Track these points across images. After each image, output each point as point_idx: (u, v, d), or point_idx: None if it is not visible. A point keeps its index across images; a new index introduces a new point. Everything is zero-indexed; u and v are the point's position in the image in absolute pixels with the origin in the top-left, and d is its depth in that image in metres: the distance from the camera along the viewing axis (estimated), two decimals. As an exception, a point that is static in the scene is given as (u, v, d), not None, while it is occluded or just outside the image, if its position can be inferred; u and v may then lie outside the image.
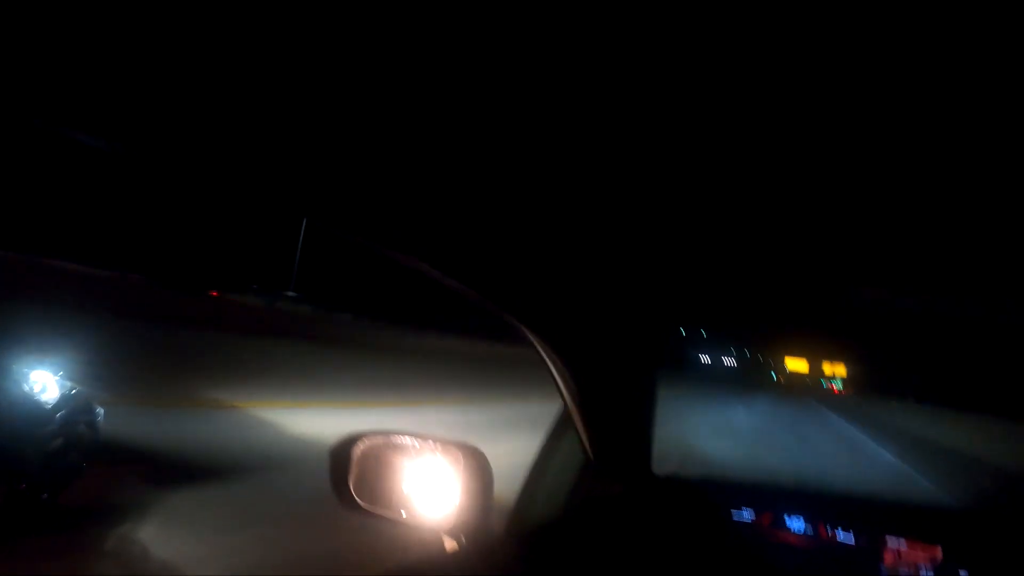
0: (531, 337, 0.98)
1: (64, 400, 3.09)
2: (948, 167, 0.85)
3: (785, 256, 1.23)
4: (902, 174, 0.91)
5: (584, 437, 1.23)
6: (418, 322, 14.85)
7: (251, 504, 3.72)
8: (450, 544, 1.10)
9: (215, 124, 0.55)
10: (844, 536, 1.46)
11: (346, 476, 1.13)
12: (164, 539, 3.09)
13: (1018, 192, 0.88)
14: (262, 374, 8.23)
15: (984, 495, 7.49)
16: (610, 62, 0.65)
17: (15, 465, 2.94)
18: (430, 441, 1.10)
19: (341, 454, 1.13)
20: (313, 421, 5.95)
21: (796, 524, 1.50)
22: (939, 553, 1.39)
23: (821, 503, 1.59)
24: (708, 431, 10.84)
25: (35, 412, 2.97)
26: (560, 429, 1.27)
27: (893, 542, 1.42)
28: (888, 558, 1.41)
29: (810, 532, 1.50)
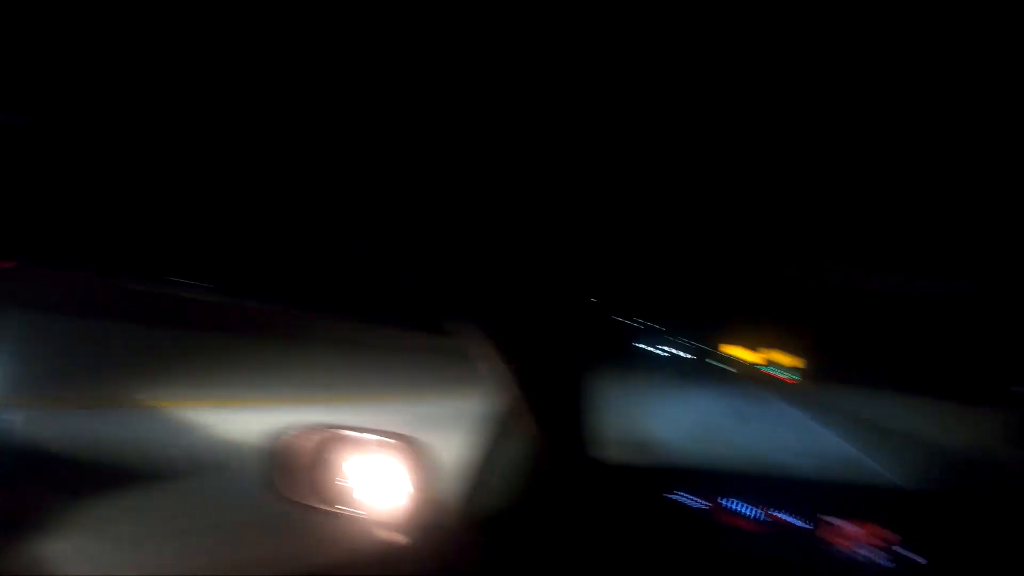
0: (466, 330, 0.99)
1: None
2: (895, 155, 0.91)
3: (727, 246, 1.28)
4: (851, 166, 0.96)
5: (527, 427, 1.24)
6: (344, 312, 14.33)
7: (179, 511, 3.48)
8: (397, 538, 1.11)
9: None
10: (787, 518, 1.50)
11: (286, 472, 1.11)
12: (81, 555, 2.85)
13: (963, 177, 0.94)
14: (182, 369, 7.78)
15: (928, 475, 7.86)
16: (536, 55, 0.68)
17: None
18: (371, 434, 1.09)
19: (280, 449, 1.10)
20: (240, 419, 5.67)
21: (739, 507, 1.54)
22: (882, 532, 1.44)
23: (765, 486, 1.62)
24: (655, 419, 11.00)
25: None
26: (501, 420, 1.28)
27: (836, 522, 1.46)
28: (831, 538, 1.46)
29: (753, 514, 1.53)
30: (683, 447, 7.79)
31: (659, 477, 1.63)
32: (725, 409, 15.61)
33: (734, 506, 1.54)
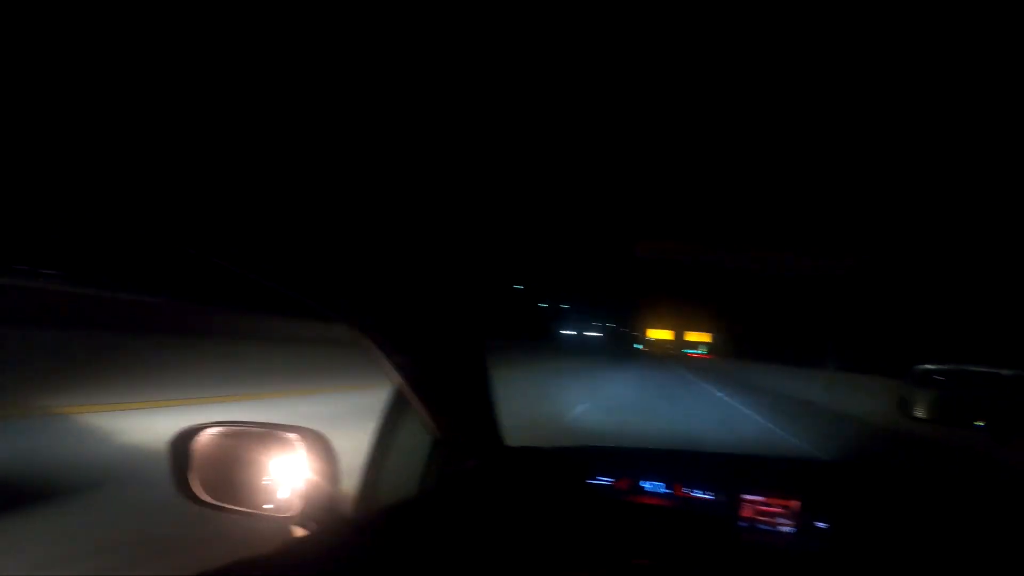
0: (352, 323, 0.99)
1: None
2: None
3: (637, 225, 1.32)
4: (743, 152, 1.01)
5: (425, 416, 1.24)
6: (239, 304, 13.89)
7: (91, 526, 3.22)
8: (299, 531, 1.10)
9: None
10: (702, 495, 1.54)
11: (187, 471, 1.09)
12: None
13: (854, 153, 1.00)
14: (93, 372, 7.34)
15: (843, 448, 8.27)
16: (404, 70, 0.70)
17: None
18: (271, 428, 1.09)
19: (180, 448, 1.08)
20: (152, 423, 5.39)
21: (653, 486, 1.57)
22: (797, 506, 1.48)
23: (679, 465, 1.65)
24: (568, 402, 11.16)
25: None
26: (396, 411, 1.28)
27: (751, 498, 1.50)
28: (746, 513, 1.50)
29: (667, 493, 1.56)
30: (599, 430, 7.99)
31: (572, 461, 1.66)
32: (644, 390, 16.12)
33: (648, 486, 1.57)
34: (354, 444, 1.31)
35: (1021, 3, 0.63)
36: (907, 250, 1.34)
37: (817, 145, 0.98)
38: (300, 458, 1.06)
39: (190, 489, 1.09)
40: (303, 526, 1.08)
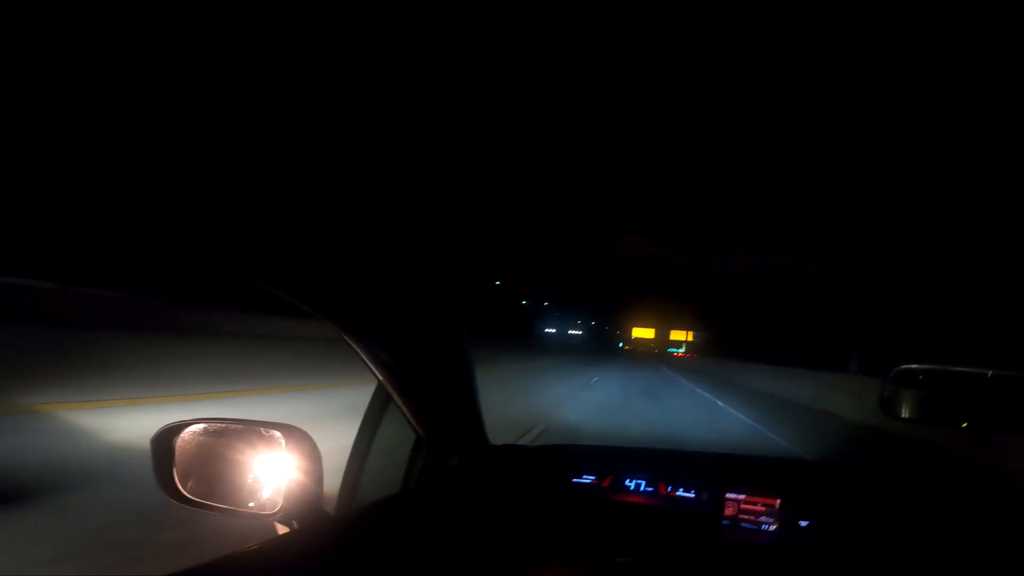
0: (336, 325, 0.98)
1: None
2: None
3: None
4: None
5: (408, 414, 1.24)
6: (220, 301, 13.81)
7: (70, 528, 3.08)
8: (281, 529, 1.10)
9: None
10: (685, 493, 1.55)
11: (170, 469, 1.08)
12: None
13: (839, 153, 1.01)
14: (70, 369, 7.21)
15: (826, 448, 8.36)
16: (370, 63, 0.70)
17: None
18: (254, 425, 1.08)
19: (162, 445, 1.07)
20: (131, 420, 5.33)
21: (636, 485, 1.58)
22: (779, 505, 1.51)
23: (663, 464, 1.66)
24: (552, 400, 11.20)
25: None
26: (379, 408, 1.28)
27: (734, 496, 1.52)
28: (729, 511, 1.52)
29: (650, 491, 1.57)
30: (584, 429, 8.01)
31: (556, 460, 1.66)
32: (629, 389, 16.16)
33: (631, 484, 1.59)
34: (340, 443, 1.31)
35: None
36: (887, 249, 1.35)
37: (790, 140, 0.99)
38: (283, 456, 1.05)
39: (172, 486, 1.08)
40: (286, 524, 1.08)
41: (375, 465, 1.27)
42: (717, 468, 1.65)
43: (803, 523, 1.49)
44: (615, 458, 1.69)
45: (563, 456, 1.68)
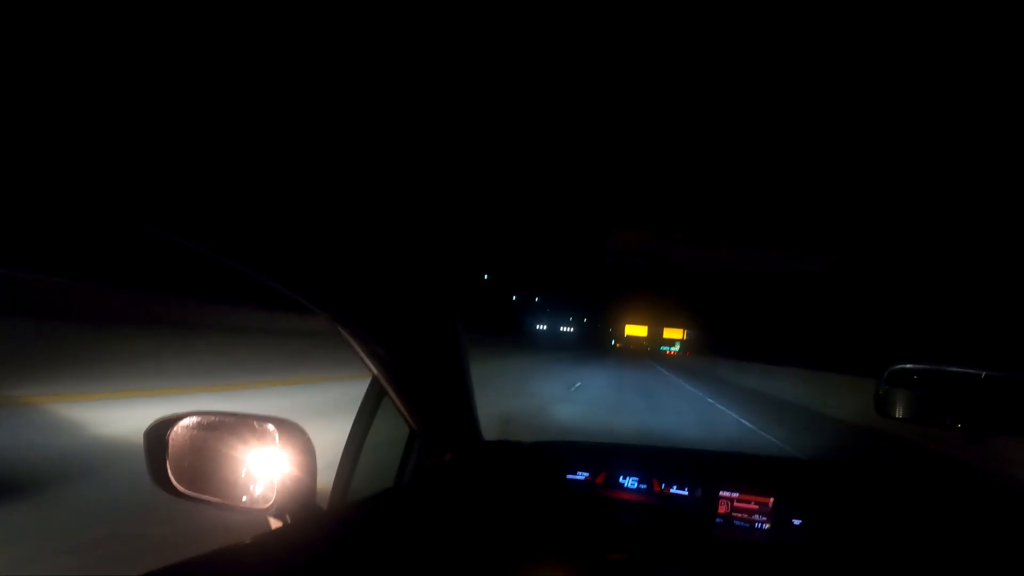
0: (331, 318, 0.98)
1: None
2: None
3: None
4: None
5: (403, 408, 1.24)
6: (212, 294, 13.79)
7: (61, 523, 3.05)
8: (275, 523, 1.10)
9: None
10: (679, 491, 1.56)
11: (163, 462, 1.08)
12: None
13: (835, 151, 1.00)
14: (58, 361, 7.17)
15: (818, 446, 8.39)
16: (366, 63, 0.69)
17: None
18: (248, 419, 1.07)
19: (156, 439, 1.07)
20: (124, 413, 5.29)
21: (630, 482, 1.58)
22: (773, 503, 1.52)
23: (657, 461, 1.66)
24: (546, 397, 11.16)
25: None
26: (374, 402, 1.28)
27: (727, 494, 1.53)
28: (722, 509, 1.52)
29: (644, 489, 1.57)
30: (577, 426, 8.00)
31: (549, 456, 1.66)
32: (622, 387, 16.13)
33: (625, 481, 1.59)
34: (334, 437, 1.31)
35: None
36: (885, 249, 1.35)
37: (788, 136, 0.99)
38: (277, 449, 1.04)
39: (165, 480, 1.07)
40: (279, 518, 1.07)
41: (369, 459, 1.27)
42: (711, 466, 1.66)
43: (796, 522, 1.49)
44: (609, 455, 1.69)
45: (557, 452, 1.68)
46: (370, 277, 0.99)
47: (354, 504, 1.23)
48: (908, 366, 1.66)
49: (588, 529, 1.53)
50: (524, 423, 7.53)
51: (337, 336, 1.04)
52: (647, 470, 1.60)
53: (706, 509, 1.54)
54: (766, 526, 1.51)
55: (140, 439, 1.07)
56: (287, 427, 1.05)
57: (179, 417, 1.08)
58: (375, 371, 1.14)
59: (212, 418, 1.09)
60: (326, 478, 1.19)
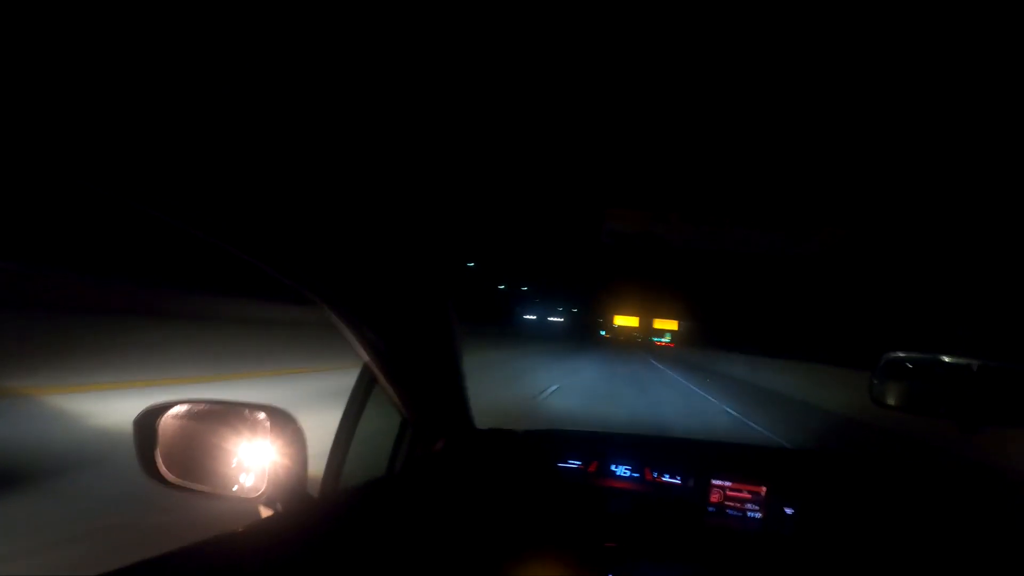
0: (323, 303, 0.97)
1: None
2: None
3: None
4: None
5: (394, 396, 1.23)
6: (206, 284, 13.77)
7: (56, 517, 3.02)
8: (265, 512, 1.09)
9: None
10: (671, 479, 1.56)
11: (153, 451, 1.07)
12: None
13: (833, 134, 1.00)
14: (54, 353, 7.13)
15: (809, 436, 8.45)
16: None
17: None
18: (238, 407, 1.06)
19: (145, 427, 1.06)
20: (119, 404, 5.25)
21: (622, 471, 1.58)
22: (765, 492, 1.52)
23: (649, 450, 1.66)
24: (538, 386, 11.19)
25: None
26: (364, 391, 1.27)
27: (719, 483, 1.53)
28: (715, 498, 1.53)
29: (636, 477, 1.57)
30: (569, 415, 8.03)
31: (541, 444, 1.66)
32: (614, 377, 16.17)
33: (617, 470, 1.59)
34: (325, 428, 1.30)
35: None
36: (882, 234, 1.35)
37: (789, 117, 0.98)
38: (268, 438, 1.04)
39: (156, 469, 1.06)
40: (270, 507, 1.06)
41: (360, 448, 1.26)
42: (703, 455, 1.66)
43: (789, 511, 1.49)
44: (601, 443, 1.69)
45: (549, 441, 1.68)
46: (362, 263, 0.99)
47: (345, 492, 1.22)
48: (902, 355, 1.65)
49: (580, 517, 1.53)
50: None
51: (326, 324, 1.04)
52: (639, 459, 1.60)
53: (698, 498, 1.54)
54: (758, 515, 1.51)
55: (132, 426, 1.06)
56: (278, 414, 1.04)
57: (169, 405, 1.07)
58: (366, 358, 1.13)
59: (202, 406, 1.08)
60: (317, 466, 1.18)
